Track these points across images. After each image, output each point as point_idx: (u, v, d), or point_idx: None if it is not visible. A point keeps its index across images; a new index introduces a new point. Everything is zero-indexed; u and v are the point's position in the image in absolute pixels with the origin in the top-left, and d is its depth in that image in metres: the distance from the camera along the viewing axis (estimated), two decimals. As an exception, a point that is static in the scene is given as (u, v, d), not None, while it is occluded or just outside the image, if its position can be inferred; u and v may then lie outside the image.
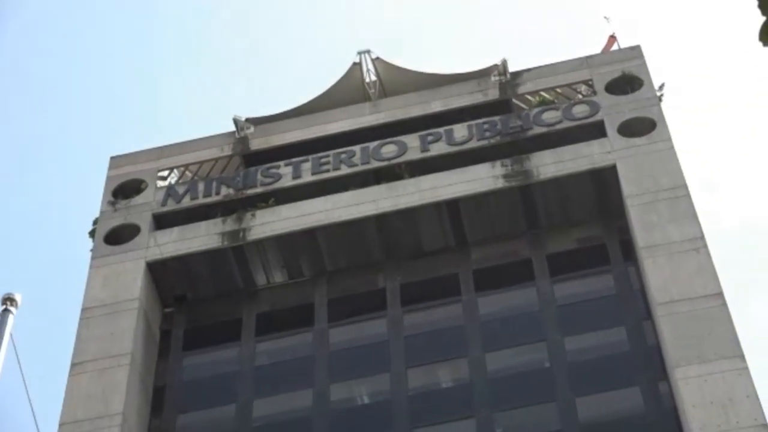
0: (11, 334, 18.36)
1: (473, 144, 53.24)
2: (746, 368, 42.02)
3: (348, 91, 57.93)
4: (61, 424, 45.30)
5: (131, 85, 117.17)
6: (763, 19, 6.94)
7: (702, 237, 46.95)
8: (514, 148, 52.61)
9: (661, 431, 42.69)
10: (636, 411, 43.82)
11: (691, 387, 41.71)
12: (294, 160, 54.74)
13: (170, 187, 55.19)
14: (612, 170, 50.40)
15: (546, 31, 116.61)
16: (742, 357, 42.40)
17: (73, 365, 47.67)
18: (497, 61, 56.66)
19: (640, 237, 47.50)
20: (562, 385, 44.97)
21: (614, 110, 52.90)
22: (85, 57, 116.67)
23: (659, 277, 45.73)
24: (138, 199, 54.63)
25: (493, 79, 56.35)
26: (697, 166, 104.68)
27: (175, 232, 52.75)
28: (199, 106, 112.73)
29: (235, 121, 57.35)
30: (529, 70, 57.16)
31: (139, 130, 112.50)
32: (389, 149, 54.09)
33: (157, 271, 51.73)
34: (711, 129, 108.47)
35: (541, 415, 44.48)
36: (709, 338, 42.99)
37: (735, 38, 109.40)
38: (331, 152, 54.58)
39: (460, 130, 53.91)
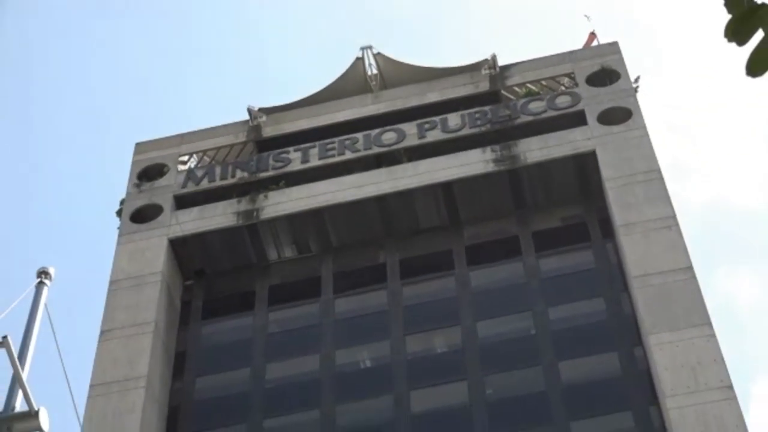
0: (46, 305, 18.36)
1: (466, 131, 53.31)
2: (713, 335, 42.15)
3: (352, 83, 57.97)
4: (91, 386, 45.45)
5: (155, 77, 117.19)
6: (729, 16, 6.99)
7: (674, 216, 47.04)
8: (503, 135, 52.68)
9: (637, 392, 42.83)
10: (613, 374, 43.96)
11: (663, 352, 41.81)
12: (302, 146, 54.82)
13: (190, 170, 55.27)
14: (592, 155, 50.48)
15: (532, 28, 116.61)
16: (709, 325, 42.51)
17: (102, 332, 47.81)
18: (488, 56, 56.80)
19: (618, 216, 47.57)
20: (546, 350, 45.08)
21: (594, 100, 52.95)
22: (116, 53, 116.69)
23: (635, 252, 45.82)
24: (161, 182, 54.72)
25: (483, 72, 56.40)
26: (674, 151, 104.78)
27: (194, 211, 52.84)
28: (216, 97, 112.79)
29: (249, 111, 57.44)
30: (516, 64, 57.24)
31: (162, 119, 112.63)
32: (389, 136, 54.15)
33: (178, 247, 51.83)
34: (691, 123, 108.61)
35: (527, 378, 44.60)
36: (679, 308, 43.11)
37: (707, 32, 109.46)
38: (337, 139, 54.67)
39: (453, 119, 53.98)
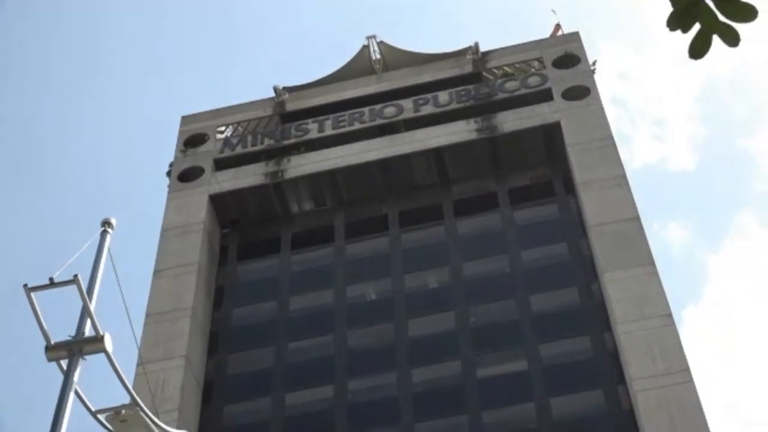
0: (109, 249, 18.35)
1: (453, 106, 53.17)
2: (656, 273, 42.24)
3: (359, 66, 57.78)
4: (147, 315, 45.61)
5: (198, 63, 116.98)
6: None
7: (624, 176, 47.04)
8: (484, 109, 52.56)
9: (593, 318, 42.94)
10: (574, 304, 44.05)
11: (615, 287, 41.89)
12: (319, 118, 54.71)
13: (226, 138, 55.20)
14: (557, 125, 50.37)
15: (508, 20, 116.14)
16: (653, 264, 42.59)
17: (155, 272, 47.91)
18: (471, 43, 56.61)
19: (578, 175, 47.53)
20: (519, 286, 45.14)
21: (559, 80, 52.78)
22: (164, 43, 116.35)
23: (592, 205, 45.83)
24: (202, 148, 54.67)
25: (467, 57, 56.24)
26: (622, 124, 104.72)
27: (230, 172, 52.81)
28: (248, 78, 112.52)
29: (275, 89, 57.29)
30: (495, 50, 57.03)
31: (203, 95, 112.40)
32: (390, 110, 54.03)
33: (217, 201, 51.83)
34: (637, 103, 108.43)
35: (503, 309, 44.69)
36: (628, 250, 43.15)
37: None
38: (347, 112, 54.55)
39: (443, 96, 53.83)
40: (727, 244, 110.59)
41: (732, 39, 7.12)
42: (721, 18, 7.12)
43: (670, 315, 40.50)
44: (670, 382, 38.32)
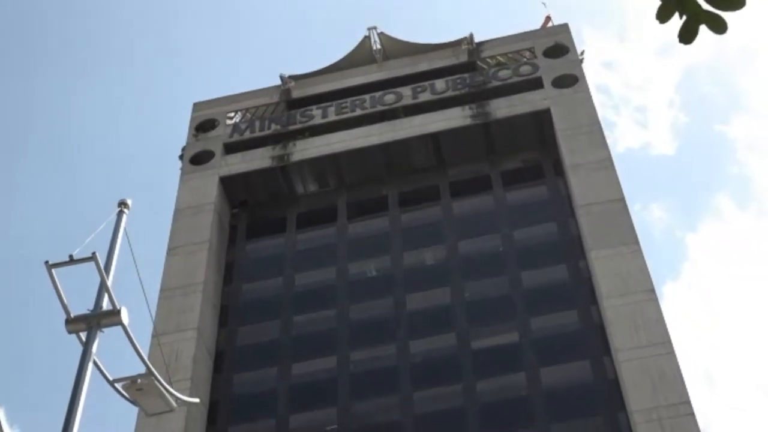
0: (125, 228, 18.30)
1: (449, 93, 53.05)
2: (639, 250, 42.22)
3: (360, 56, 57.62)
4: (161, 290, 45.60)
5: (209, 53, 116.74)
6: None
7: (610, 158, 46.94)
8: (478, 96, 52.44)
9: (581, 293, 42.96)
10: (563, 281, 44.05)
11: (601, 263, 41.88)
12: (323, 104, 54.59)
13: (236, 124, 55.09)
14: (547, 112, 50.27)
15: (501, 12, 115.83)
16: (636, 243, 42.56)
17: (169, 249, 47.89)
18: (466, 34, 56.43)
19: (567, 159, 47.44)
20: (512, 263, 45.13)
21: (549, 69, 52.64)
22: (180, 36, 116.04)
23: (580, 187, 45.76)
24: (213, 133, 54.56)
25: (463, 47, 56.08)
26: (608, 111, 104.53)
27: (239, 156, 52.72)
28: (255, 67, 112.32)
29: (281, 77, 57.16)
30: (489, 40, 56.87)
31: (214, 83, 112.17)
32: (390, 97, 53.90)
33: (227, 183, 51.76)
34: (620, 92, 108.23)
35: (495, 284, 44.70)
36: (614, 230, 43.12)
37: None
38: (349, 99, 54.43)
39: (440, 84, 53.69)
40: (705, 224, 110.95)
41: (719, 27, 7.04)
42: (707, 7, 7.05)
43: (652, 290, 40.50)
44: (653, 353, 38.36)
